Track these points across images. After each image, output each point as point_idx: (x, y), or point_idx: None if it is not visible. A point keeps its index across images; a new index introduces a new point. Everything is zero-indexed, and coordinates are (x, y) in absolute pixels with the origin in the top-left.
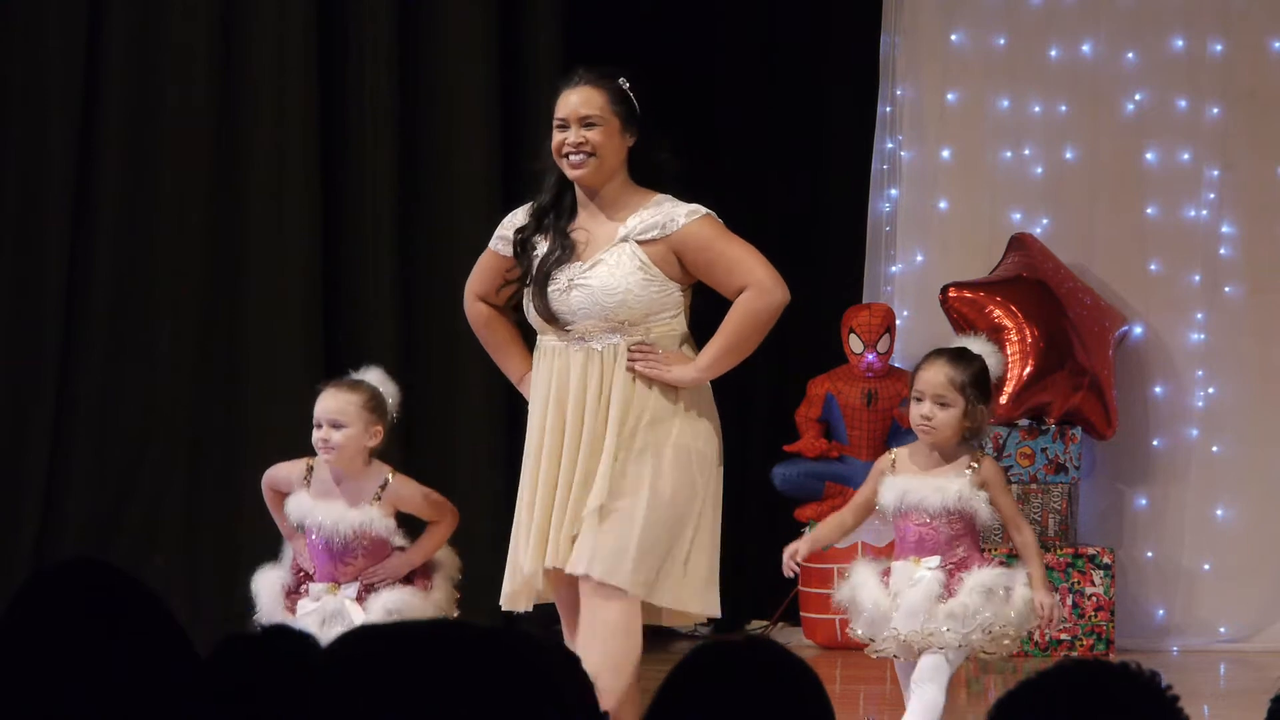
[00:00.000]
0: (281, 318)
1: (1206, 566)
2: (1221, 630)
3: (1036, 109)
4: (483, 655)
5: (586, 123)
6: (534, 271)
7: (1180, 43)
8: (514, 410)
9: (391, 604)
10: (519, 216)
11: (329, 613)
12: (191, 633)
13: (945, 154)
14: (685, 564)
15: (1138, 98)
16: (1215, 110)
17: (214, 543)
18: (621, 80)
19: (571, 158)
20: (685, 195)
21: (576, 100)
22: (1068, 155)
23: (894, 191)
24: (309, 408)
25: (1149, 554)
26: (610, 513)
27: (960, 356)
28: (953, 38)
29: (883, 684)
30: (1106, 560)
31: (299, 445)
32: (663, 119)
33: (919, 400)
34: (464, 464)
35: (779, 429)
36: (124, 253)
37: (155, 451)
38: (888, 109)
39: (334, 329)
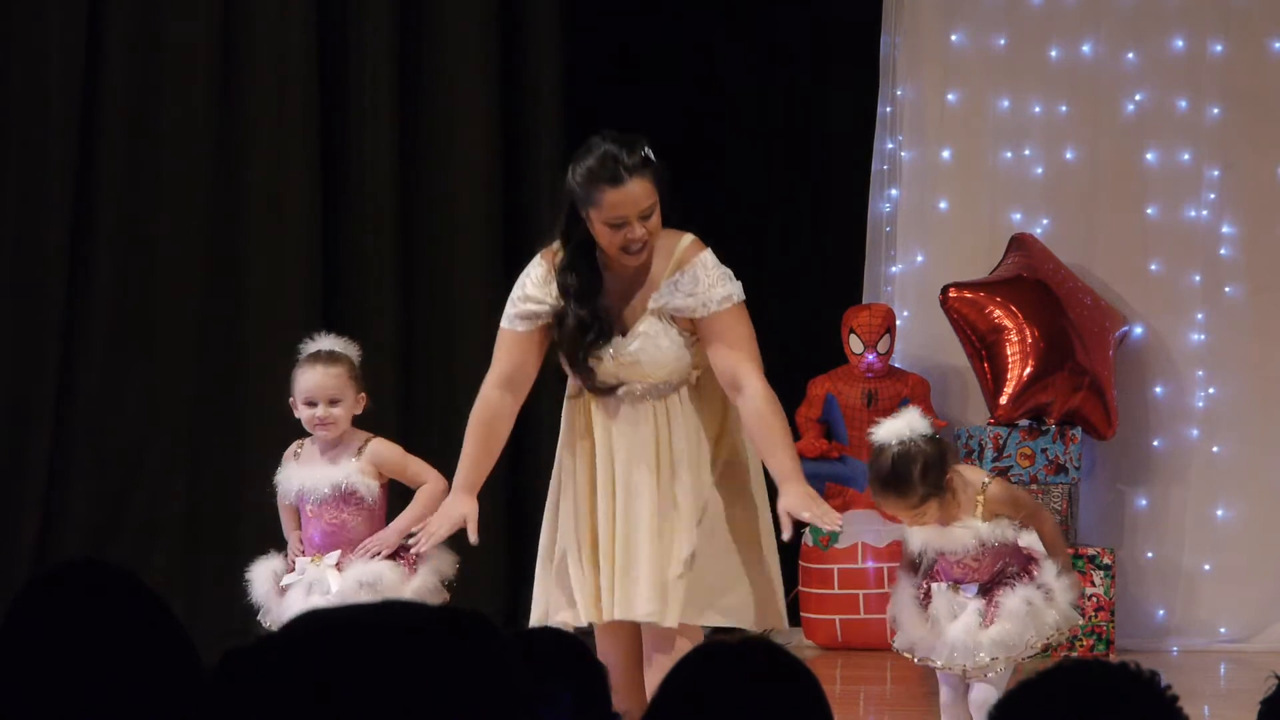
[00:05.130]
0: (281, 317)
1: (1206, 567)
2: (1221, 630)
3: (1037, 109)
4: (432, 638)
5: (644, 215)
6: (574, 351)
7: (1180, 43)
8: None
9: (366, 576)
10: (529, 289)
11: (311, 581)
12: (191, 633)
13: (945, 154)
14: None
15: (1138, 98)
16: (1215, 110)
17: (214, 543)
18: (647, 150)
19: (635, 249)
20: (683, 211)
21: (636, 195)
22: (1068, 155)
23: (894, 191)
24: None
25: (1149, 554)
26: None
27: (899, 483)
28: (953, 38)
29: (883, 684)
30: (1107, 560)
31: None
32: (662, 119)
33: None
34: None
35: None
36: (124, 252)
37: (155, 451)
38: (888, 109)
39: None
